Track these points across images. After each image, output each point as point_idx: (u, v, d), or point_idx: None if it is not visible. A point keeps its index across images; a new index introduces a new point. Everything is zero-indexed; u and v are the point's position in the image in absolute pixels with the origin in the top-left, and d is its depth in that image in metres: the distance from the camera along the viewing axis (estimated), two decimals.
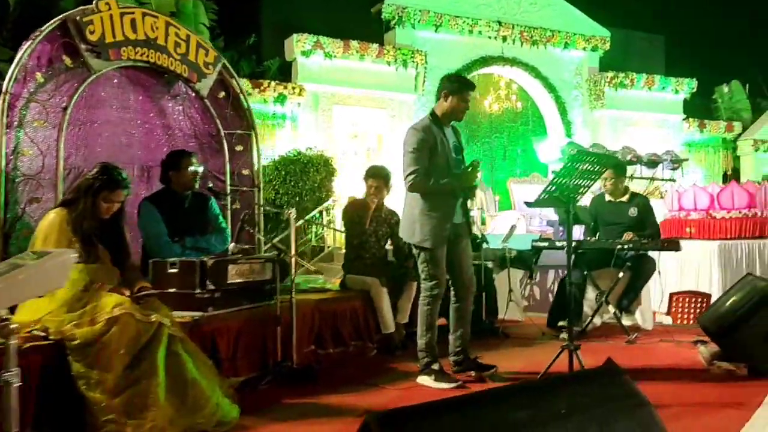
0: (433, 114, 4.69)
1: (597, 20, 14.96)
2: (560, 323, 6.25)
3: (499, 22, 14.14)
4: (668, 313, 8.14)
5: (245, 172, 6.19)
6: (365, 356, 5.51)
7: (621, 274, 6.14)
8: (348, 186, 12.19)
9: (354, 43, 12.86)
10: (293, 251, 4.82)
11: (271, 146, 12.07)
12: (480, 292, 6.26)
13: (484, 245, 6.26)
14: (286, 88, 12.35)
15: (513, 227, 6.60)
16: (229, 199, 5.97)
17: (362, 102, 13.15)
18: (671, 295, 8.12)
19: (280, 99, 12.35)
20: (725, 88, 16.14)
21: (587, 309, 6.36)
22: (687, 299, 8.05)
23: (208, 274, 4.39)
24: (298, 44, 12.49)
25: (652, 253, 6.31)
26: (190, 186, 5.03)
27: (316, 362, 5.09)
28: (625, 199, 6.46)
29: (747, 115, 15.93)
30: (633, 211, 6.40)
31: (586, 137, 14.13)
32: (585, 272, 6.27)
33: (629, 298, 6.31)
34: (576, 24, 14.87)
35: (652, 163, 8.71)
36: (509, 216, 8.90)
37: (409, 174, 4.50)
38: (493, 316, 6.46)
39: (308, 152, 11.09)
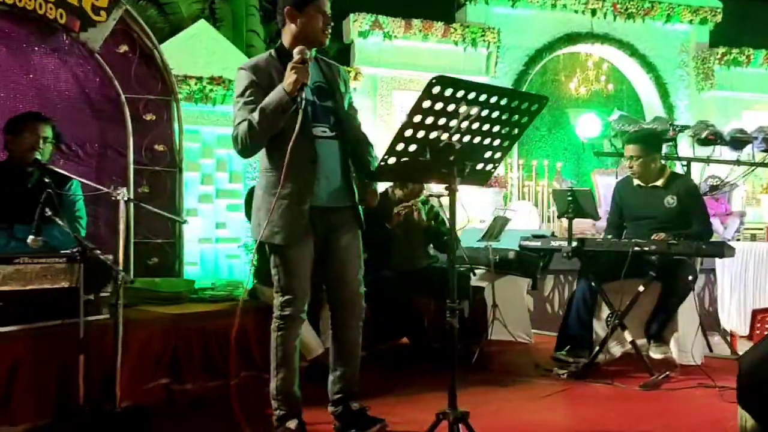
0: (278, 47, 2.99)
1: None
2: (557, 354, 4.32)
3: None
4: (749, 337, 5.92)
5: (160, 147, 4.69)
6: (261, 390, 3.86)
7: (641, 288, 4.14)
8: None
9: (416, 22, 11.12)
10: (121, 246, 3.27)
11: None
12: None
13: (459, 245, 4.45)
14: None
15: (499, 220, 4.70)
16: (132, 180, 4.53)
17: None
18: (755, 313, 5.89)
19: None
20: None
21: (602, 333, 4.39)
22: None
23: None
24: (354, 24, 10.93)
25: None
26: (28, 158, 3.64)
27: (168, 402, 3.52)
28: (660, 183, 4.43)
29: None
30: (671, 201, 4.36)
31: (692, 123, 11.64)
32: (593, 284, 4.30)
33: (659, 321, 4.28)
34: None
35: (738, 142, 6.42)
36: (522, 207, 6.85)
37: (234, 131, 2.84)
38: (473, 339, 4.61)
39: None
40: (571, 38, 11.95)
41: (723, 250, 3.91)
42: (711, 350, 5.42)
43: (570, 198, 4.12)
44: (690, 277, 4.06)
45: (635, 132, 4.75)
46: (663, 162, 4.52)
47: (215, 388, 3.67)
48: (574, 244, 4.12)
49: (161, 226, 4.63)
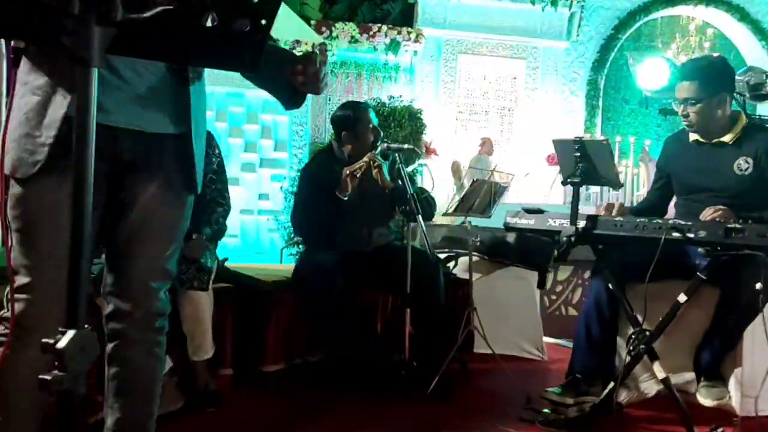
0: None
1: None
2: (547, 393, 2.77)
3: None
4: None
5: None
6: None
7: (682, 298, 2.53)
8: (460, 149, 9.03)
9: None
10: None
11: None
12: (405, 306, 3.01)
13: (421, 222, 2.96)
14: (400, 33, 9.40)
15: (482, 186, 3.12)
16: None
17: (496, 50, 9.81)
18: None
19: (393, 47, 9.43)
20: None
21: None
22: None
23: None
24: None
25: None
26: None
27: None
28: (728, 139, 2.79)
29: None
30: (743, 165, 2.73)
31: None
32: (610, 286, 2.72)
33: (714, 350, 2.67)
34: None
35: None
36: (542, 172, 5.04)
37: None
38: (441, 354, 3.10)
39: (391, 103, 8.13)
40: None
41: None
42: None
43: (577, 153, 2.57)
44: (759, 285, 2.41)
45: (690, 62, 3.00)
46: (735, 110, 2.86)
47: None
48: (581, 224, 2.57)
49: None
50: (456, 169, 8.61)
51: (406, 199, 3.02)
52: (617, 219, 2.57)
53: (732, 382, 2.67)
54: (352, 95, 9.56)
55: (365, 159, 3.02)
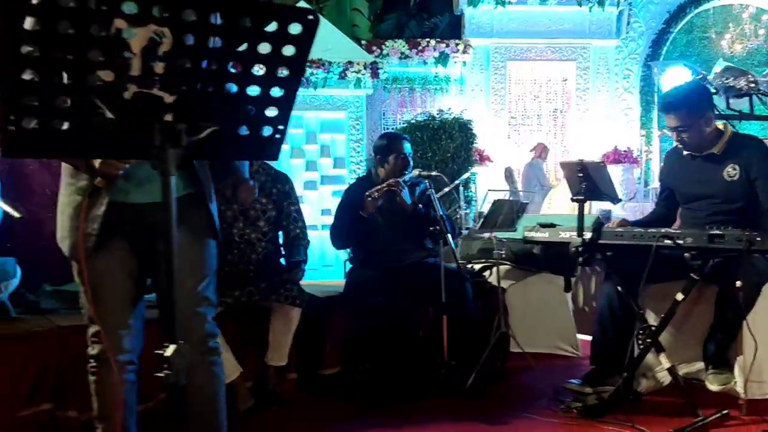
0: None
1: None
2: (570, 384, 3.19)
3: None
4: None
5: None
6: None
7: (679, 296, 2.91)
8: (514, 154, 9.47)
9: None
10: None
11: None
12: (441, 314, 3.47)
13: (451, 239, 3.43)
14: (448, 45, 9.87)
15: (503, 204, 3.54)
16: None
17: (545, 54, 10.13)
18: None
19: (442, 59, 9.89)
20: None
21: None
22: None
23: None
24: None
25: None
26: None
27: None
28: (716, 150, 3.15)
29: None
30: (732, 172, 3.09)
31: None
32: (619, 288, 3.11)
33: (717, 341, 3.03)
34: None
35: None
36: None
37: None
38: (476, 355, 3.53)
39: (441, 116, 8.55)
40: None
41: None
42: None
43: (580, 174, 2.98)
44: (738, 283, 2.73)
45: (670, 94, 3.34)
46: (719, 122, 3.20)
47: None
48: (587, 235, 2.98)
49: None
50: (508, 175, 8.98)
51: (429, 221, 3.49)
52: (618, 230, 2.99)
53: (736, 369, 3.02)
54: (406, 108, 10.04)
55: (387, 183, 3.52)
